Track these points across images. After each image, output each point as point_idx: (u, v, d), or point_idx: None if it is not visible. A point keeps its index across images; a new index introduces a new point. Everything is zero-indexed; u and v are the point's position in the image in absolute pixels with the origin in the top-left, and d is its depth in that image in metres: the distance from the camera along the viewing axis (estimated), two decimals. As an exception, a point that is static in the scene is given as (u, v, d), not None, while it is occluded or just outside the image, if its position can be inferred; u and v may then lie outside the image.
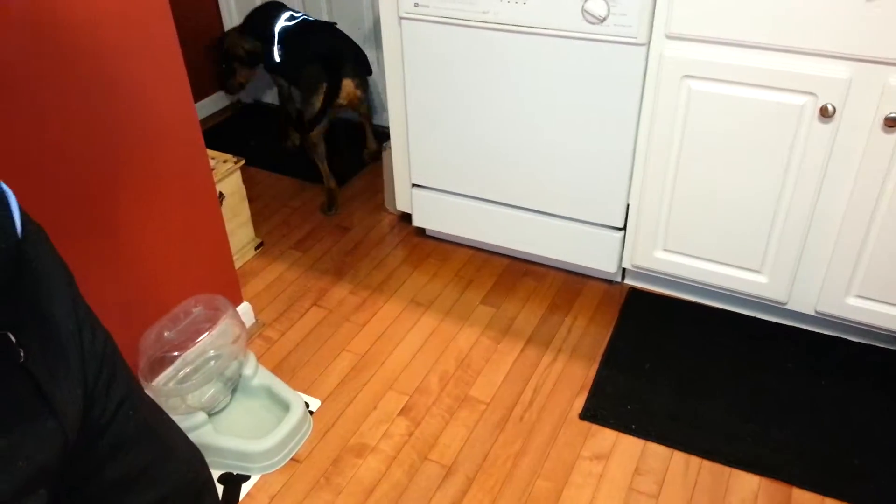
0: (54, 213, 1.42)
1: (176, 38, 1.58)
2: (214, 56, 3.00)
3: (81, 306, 0.75)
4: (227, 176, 2.17)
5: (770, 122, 1.71)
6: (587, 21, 1.78)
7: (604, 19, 1.75)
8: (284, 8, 2.69)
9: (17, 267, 0.63)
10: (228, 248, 1.91)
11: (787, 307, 1.95)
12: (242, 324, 1.77)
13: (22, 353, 0.62)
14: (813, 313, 1.92)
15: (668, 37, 1.73)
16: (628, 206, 2.01)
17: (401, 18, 1.99)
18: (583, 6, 1.76)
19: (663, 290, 2.16)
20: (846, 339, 1.96)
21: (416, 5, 1.94)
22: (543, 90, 1.92)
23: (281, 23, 2.61)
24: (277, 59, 2.62)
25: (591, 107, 1.89)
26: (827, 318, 1.92)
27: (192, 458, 0.93)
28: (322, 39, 2.54)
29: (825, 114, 1.62)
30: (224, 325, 1.75)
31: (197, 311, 1.71)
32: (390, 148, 2.28)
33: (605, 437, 1.72)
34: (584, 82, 1.86)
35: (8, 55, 1.25)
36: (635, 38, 1.75)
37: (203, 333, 1.71)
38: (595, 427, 1.75)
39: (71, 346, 0.70)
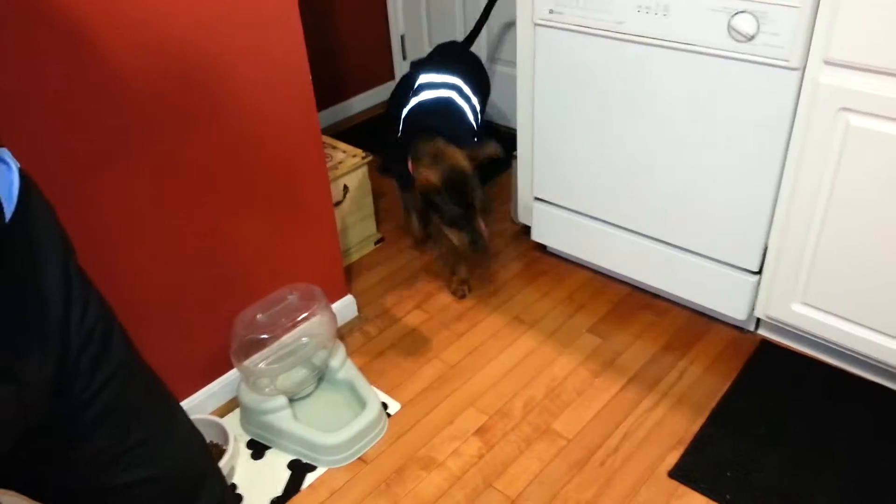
0: (176, 187, 1.52)
1: (306, 67, 1.67)
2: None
3: (77, 281, 0.77)
4: (354, 170, 2.22)
5: (944, 171, 1.44)
6: (734, 39, 1.60)
7: (752, 37, 1.57)
8: (436, 65, 2.27)
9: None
10: (337, 243, 1.95)
11: (948, 391, 1.64)
12: (334, 315, 1.80)
13: None
14: (981, 404, 1.59)
15: (827, 62, 1.51)
16: (766, 248, 1.79)
17: (535, 24, 1.91)
18: (729, 22, 1.58)
19: (801, 347, 1.90)
20: None
21: (552, 11, 1.86)
22: (682, 111, 1.76)
23: (419, 96, 2.16)
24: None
25: (734, 134, 1.70)
26: None
27: (192, 444, 0.94)
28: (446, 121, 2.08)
29: None
30: (320, 314, 1.78)
31: (292, 298, 1.76)
32: (517, 157, 2.22)
33: (693, 501, 1.54)
34: (728, 106, 1.68)
35: (161, 86, 1.36)
36: (787, 60, 1.55)
37: (295, 321, 1.76)
38: (683, 489, 1.57)
39: (52, 318, 0.73)
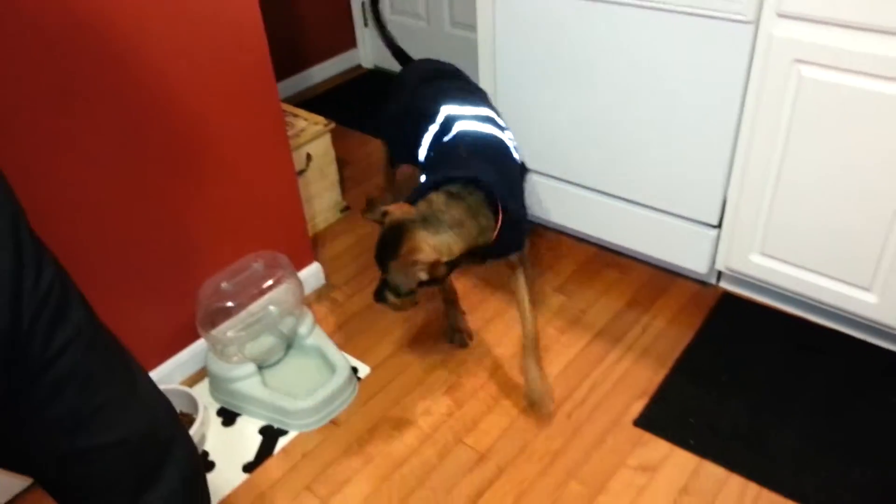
0: (133, 157, 1.50)
1: (262, 33, 1.64)
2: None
3: (28, 245, 0.77)
4: (317, 138, 2.20)
5: (890, 119, 1.47)
6: (689, -7, 1.61)
7: (707, -8, 1.58)
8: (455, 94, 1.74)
9: None
10: (301, 211, 1.94)
11: (899, 333, 1.70)
12: (300, 282, 1.80)
13: None
14: (930, 344, 1.65)
15: (780, 15, 1.53)
16: (725, 202, 1.82)
17: (493, -18, 1.90)
18: (684, -24, 1.59)
19: (761, 298, 1.95)
20: (971, 380, 1.68)
21: (509, -28, 1.85)
22: (641, 68, 1.77)
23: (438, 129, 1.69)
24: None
25: (692, 90, 1.72)
26: (947, 351, 1.65)
27: (157, 408, 0.94)
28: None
29: (958, 112, 1.37)
30: (286, 281, 1.78)
31: (257, 266, 1.75)
32: (480, 121, 2.22)
33: (658, 448, 1.59)
34: (686, 61, 1.69)
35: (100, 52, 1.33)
36: (743, 14, 1.57)
37: (261, 289, 1.76)
38: (648, 436, 1.62)
39: (4, 281, 0.72)
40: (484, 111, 1.70)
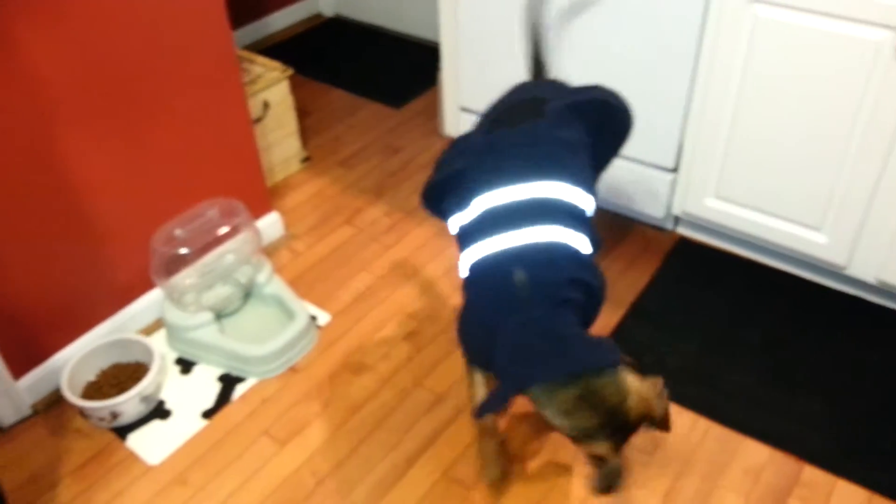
0: (76, 99, 1.45)
1: None
2: None
3: None
4: (274, 85, 2.16)
5: (842, 59, 1.48)
6: (645, -69, 1.59)
7: (662, -71, 1.56)
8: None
9: None
10: (257, 158, 1.91)
11: (847, 272, 1.73)
12: (257, 231, 1.78)
13: None
14: (875, 282, 1.70)
15: (734, -49, 1.52)
16: (682, 145, 1.83)
17: (449, -76, 1.86)
18: (640, -87, 1.57)
19: (717, 242, 1.98)
20: (914, 316, 1.73)
21: None
22: (600, 14, 1.75)
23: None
24: None
25: (649, 33, 1.71)
26: (891, 289, 1.70)
27: None
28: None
29: (904, 48, 1.38)
30: (242, 229, 1.76)
31: (211, 213, 1.73)
32: (441, 69, 2.19)
33: (612, 387, 1.62)
34: (643, 3, 1.68)
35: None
36: (697, -48, 1.55)
37: (216, 236, 1.73)
38: (603, 376, 1.64)
39: None
40: (543, 189, 1.22)
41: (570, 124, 1.32)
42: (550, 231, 1.20)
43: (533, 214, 1.21)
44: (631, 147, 1.90)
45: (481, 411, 1.18)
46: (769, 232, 1.78)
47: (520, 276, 1.15)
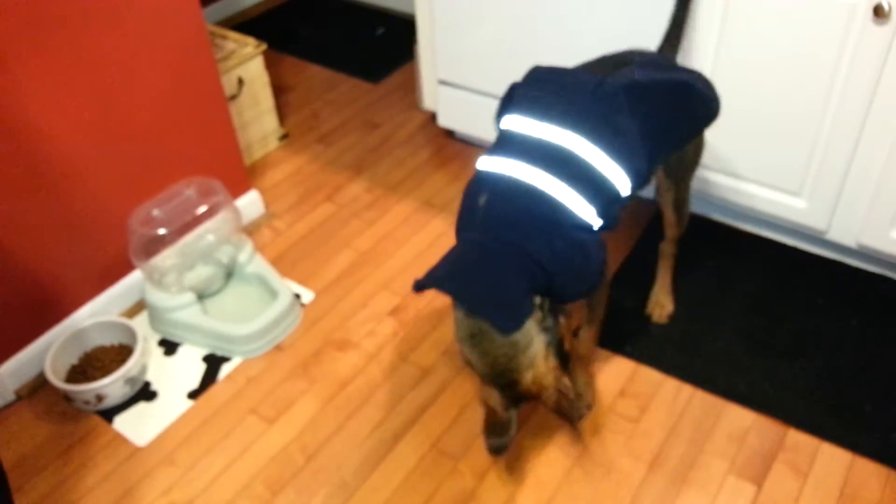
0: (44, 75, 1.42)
1: None
2: None
3: None
4: (248, 61, 2.12)
5: (817, 21, 1.48)
6: None
7: None
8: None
9: None
10: (233, 136, 1.88)
11: (827, 237, 1.75)
12: (237, 209, 1.76)
13: None
14: (855, 246, 1.72)
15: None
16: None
17: None
18: None
19: (698, 210, 1.99)
20: (892, 279, 1.76)
21: None
22: (574, -21, 1.74)
23: None
24: None
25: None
26: (871, 252, 1.72)
27: None
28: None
29: (880, 14, 1.38)
30: (221, 209, 1.74)
31: (189, 192, 1.71)
32: (418, 41, 2.16)
33: (595, 355, 1.63)
34: (617, -30, 1.66)
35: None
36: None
37: (195, 216, 1.71)
38: (588, 345, 1.66)
39: None
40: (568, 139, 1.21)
41: (622, 106, 1.26)
42: (546, 180, 1.22)
43: (545, 158, 1.23)
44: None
45: (418, 284, 1.26)
46: (749, 198, 1.79)
47: (483, 200, 1.25)
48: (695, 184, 1.86)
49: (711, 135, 1.76)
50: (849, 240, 1.71)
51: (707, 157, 1.80)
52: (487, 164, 1.28)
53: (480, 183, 1.27)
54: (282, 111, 2.45)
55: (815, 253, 1.84)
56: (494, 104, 2.08)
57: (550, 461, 1.44)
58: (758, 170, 1.74)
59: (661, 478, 1.40)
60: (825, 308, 1.70)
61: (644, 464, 1.43)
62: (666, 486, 1.39)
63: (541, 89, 1.30)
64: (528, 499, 1.38)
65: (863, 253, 1.77)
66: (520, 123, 1.27)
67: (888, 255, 1.68)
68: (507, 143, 1.27)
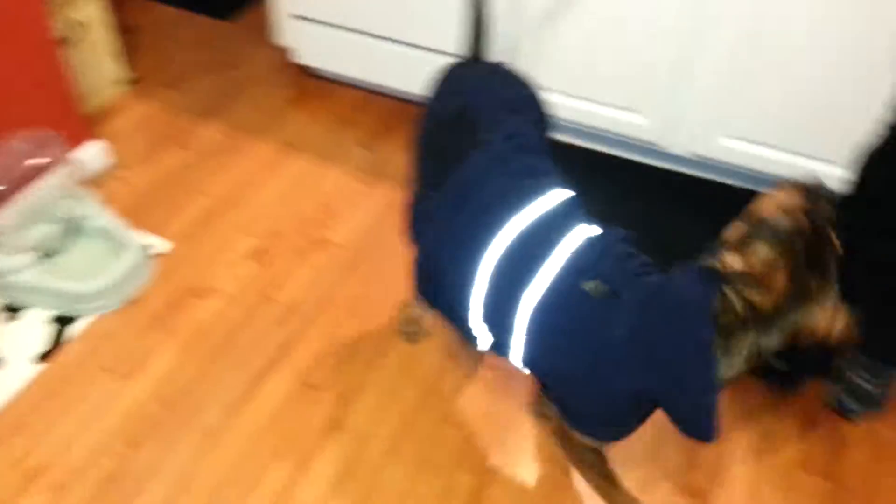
0: None
1: None
2: None
3: None
4: (85, 1, 1.96)
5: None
6: None
7: None
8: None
9: None
10: (67, 83, 1.76)
11: (667, 150, 1.84)
12: (76, 161, 1.66)
13: None
14: (690, 156, 1.82)
15: None
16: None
17: None
18: None
19: (561, 135, 2.03)
20: (724, 183, 1.88)
21: None
22: None
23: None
24: None
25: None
26: (704, 160, 1.83)
27: None
28: None
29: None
30: (59, 162, 1.64)
31: (20, 147, 1.59)
32: (262, -27, 2.07)
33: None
34: None
35: None
36: None
37: (28, 169, 1.60)
38: (449, 271, 1.69)
39: None
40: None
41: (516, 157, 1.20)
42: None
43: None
44: (419, 36, 1.90)
45: None
46: (591, 117, 1.85)
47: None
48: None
49: (552, 56, 1.79)
50: (685, 150, 1.81)
51: (553, 79, 1.83)
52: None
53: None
54: (130, 54, 2.29)
55: (662, 167, 1.93)
56: (353, 37, 2.03)
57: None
58: (599, 89, 1.80)
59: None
60: (668, 214, 1.81)
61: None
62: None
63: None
64: (395, 421, 1.42)
65: (698, 162, 1.87)
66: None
67: (720, 161, 1.79)
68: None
